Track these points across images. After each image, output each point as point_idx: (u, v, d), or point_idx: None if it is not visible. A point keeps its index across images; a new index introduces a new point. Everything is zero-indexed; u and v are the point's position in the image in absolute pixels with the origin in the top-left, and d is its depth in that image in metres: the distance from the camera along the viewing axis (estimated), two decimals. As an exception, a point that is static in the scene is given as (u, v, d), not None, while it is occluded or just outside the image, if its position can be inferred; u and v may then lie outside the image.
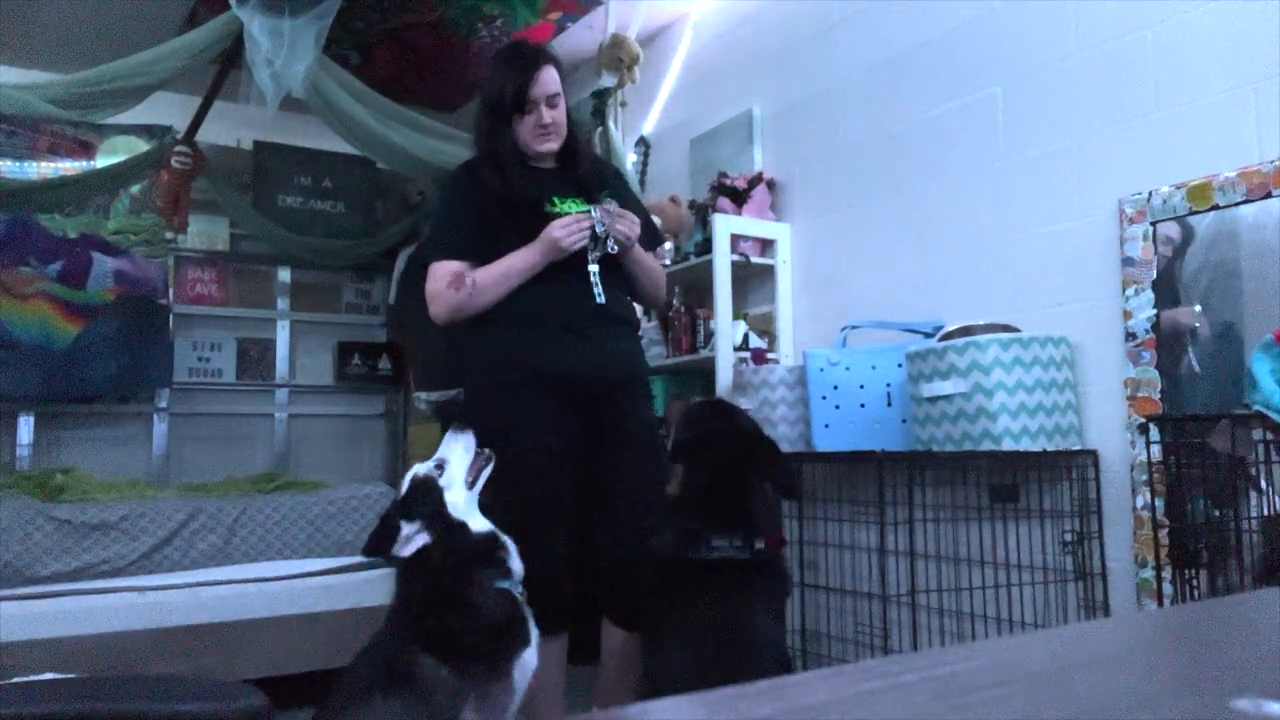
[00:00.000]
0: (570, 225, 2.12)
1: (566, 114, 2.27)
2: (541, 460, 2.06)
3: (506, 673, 1.68)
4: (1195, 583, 1.95)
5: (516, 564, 1.81)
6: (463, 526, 1.79)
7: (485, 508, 1.89)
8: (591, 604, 2.22)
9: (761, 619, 1.74)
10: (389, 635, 1.73)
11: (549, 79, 2.21)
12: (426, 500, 1.79)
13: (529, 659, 1.73)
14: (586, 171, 2.32)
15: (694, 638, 1.72)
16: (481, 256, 2.18)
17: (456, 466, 1.85)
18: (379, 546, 1.77)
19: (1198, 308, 2.12)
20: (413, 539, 1.76)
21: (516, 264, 2.14)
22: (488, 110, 2.25)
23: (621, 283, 2.30)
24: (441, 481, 1.82)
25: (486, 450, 1.91)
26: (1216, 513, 1.92)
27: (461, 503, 1.82)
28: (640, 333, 2.77)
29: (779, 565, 1.86)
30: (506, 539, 1.83)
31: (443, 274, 2.18)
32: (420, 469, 1.86)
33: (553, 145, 2.26)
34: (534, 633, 1.78)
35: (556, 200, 2.23)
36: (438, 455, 1.88)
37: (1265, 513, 1.81)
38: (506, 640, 1.70)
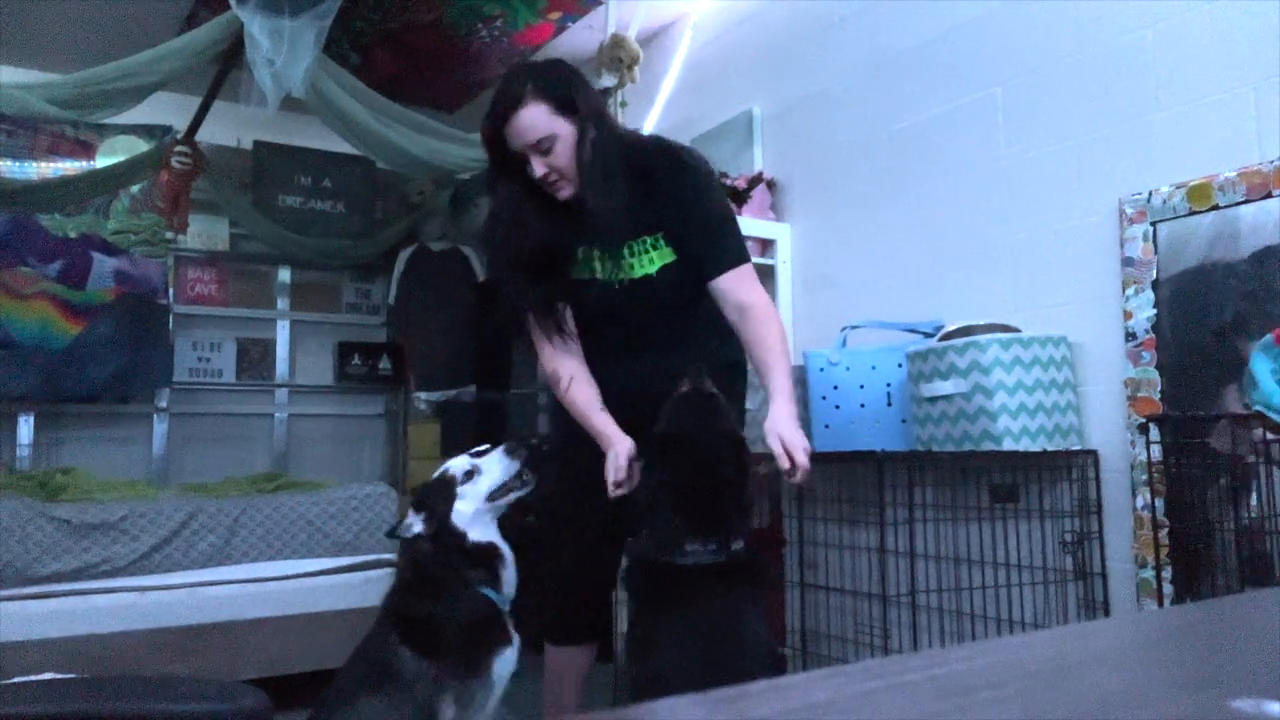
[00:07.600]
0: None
1: (591, 138, 1.82)
2: (585, 478, 1.95)
3: (485, 670, 1.69)
4: (1195, 583, 1.95)
5: (509, 576, 1.83)
6: (460, 535, 1.81)
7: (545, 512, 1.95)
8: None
9: (746, 619, 1.73)
10: (376, 626, 1.77)
11: (526, 125, 1.78)
12: (438, 498, 1.83)
13: (510, 657, 1.75)
14: (603, 219, 1.84)
15: (680, 643, 1.71)
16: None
17: (485, 481, 1.86)
18: (395, 527, 1.88)
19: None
20: (411, 526, 1.83)
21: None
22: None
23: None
24: (462, 488, 1.84)
25: (526, 475, 1.90)
26: (1216, 514, 1.92)
27: (469, 513, 1.82)
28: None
29: (757, 563, 1.85)
30: (507, 551, 1.84)
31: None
32: (454, 467, 1.88)
33: (566, 192, 1.86)
34: (515, 637, 1.78)
35: (580, 254, 1.93)
36: (478, 462, 1.89)
37: (1239, 516, 1.81)
38: (480, 639, 1.72)
